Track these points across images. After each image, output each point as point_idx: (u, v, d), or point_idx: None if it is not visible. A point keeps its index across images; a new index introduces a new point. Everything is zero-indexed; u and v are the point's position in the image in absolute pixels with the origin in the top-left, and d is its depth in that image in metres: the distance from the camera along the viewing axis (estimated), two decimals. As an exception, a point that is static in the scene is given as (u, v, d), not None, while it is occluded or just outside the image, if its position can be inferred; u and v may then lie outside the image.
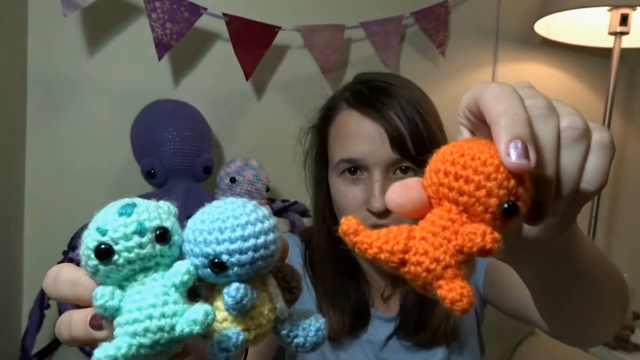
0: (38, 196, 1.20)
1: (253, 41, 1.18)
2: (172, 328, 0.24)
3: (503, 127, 0.25)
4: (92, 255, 0.25)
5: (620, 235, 1.63)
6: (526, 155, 0.24)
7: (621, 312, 0.52)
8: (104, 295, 0.24)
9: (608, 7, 1.26)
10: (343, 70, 1.35)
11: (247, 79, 1.20)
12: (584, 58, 1.51)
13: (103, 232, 0.25)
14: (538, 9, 1.32)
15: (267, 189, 1.15)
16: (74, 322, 0.27)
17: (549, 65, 1.50)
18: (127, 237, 0.25)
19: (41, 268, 1.09)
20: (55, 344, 1.09)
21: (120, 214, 0.25)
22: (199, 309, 0.24)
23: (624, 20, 1.24)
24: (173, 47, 1.13)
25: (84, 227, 0.26)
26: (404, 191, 0.27)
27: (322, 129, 0.77)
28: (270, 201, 1.21)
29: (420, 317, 0.75)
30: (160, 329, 0.24)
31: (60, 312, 0.97)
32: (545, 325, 0.55)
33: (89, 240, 0.25)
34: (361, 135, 0.69)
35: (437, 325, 0.74)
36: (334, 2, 1.33)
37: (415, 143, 0.68)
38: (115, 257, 0.25)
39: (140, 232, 0.25)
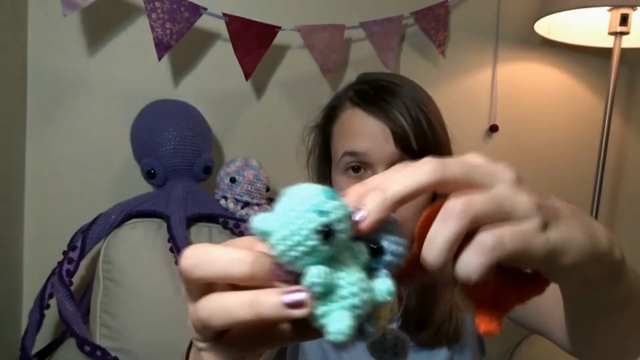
0: (38, 196, 1.20)
1: (253, 41, 1.18)
2: (372, 299, 0.27)
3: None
4: (314, 236, 0.25)
5: (620, 236, 1.63)
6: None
7: None
8: (325, 273, 0.25)
9: (608, 7, 1.26)
10: (343, 70, 1.35)
11: (247, 79, 1.20)
12: (584, 58, 1.51)
13: (325, 214, 0.25)
14: (538, 9, 1.32)
15: (267, 189, 1.15)
16: (263, 303, 0.25)
17: (549, 65, 1.50)
18: (342, 220, 0.26)
19: (41, 268, 1.09)
20: (55, 344, 1.09)
21: (331, 198, 0.26)
22: (387, 281, 0.27)
23: (624, 20, 1.24)
24: (173, 47, 1.13)
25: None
26: None
27: (325, 128, 0.77)
28: (270, 201, 1.21)
29: (422, 317, 0.75)
30: (370, 300, 0.26)
31: (61, 312, 0.97)
32: (567, 343, 0.53)
33: (307, 221, 0.25)
34: (365, 133, 0.69)
35: (439, 326, 0.74)
36: (334, 2, 1.33)
37: (419, 142, 0.68)
38: (335, 238, 0.26)
39: (348, 216, 0.27)
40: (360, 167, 0.71)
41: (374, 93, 0.71)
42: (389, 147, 0.68)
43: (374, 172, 0.69)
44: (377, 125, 0.69)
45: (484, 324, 0.29)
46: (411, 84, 0.75)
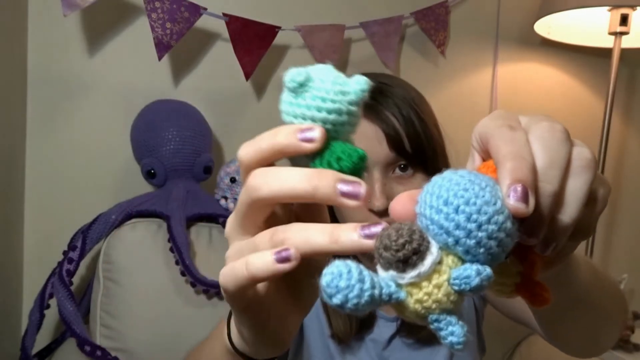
0: (38, 196, 1.20)
1: (253, 41, 1.18)
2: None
3: (507, 169, 0.25)
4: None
5: (620, 235, 1.63)
6: (525, 199, 0.24)
7: (620, 324, 0.53)
8: None
9: (608, 7, 1.26)
10: (343, 70, 1.34)
11: (247, 79, 1.20)
12: (584, 58, 1.51)
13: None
14: (538, 9, 1.32)
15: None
16: (341, 233, 0.26)
17: (549, 65, 1.50)
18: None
19: (41, 268, 1.09)
20: (55, 344, 1.09)
21: None
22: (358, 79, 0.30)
23: (624, 20, 1.24)
24: (173, 47, 1.13)
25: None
26: (408, 203, 0.27)
27: None
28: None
29: None
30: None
31: (61, 312, 0.97)
32: (545, 336, 0.56)
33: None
34: (359, 136, 0.70)
35: None
36: (334, 2, 1.33)
37: (412, 141, 0.68)
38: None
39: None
40: None
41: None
42: (382, 149, 0.68)
43: (370, 174, 0.69)
44: (370, 127, 0.69)
45: (540, 296, 0.28)
46: (403, 83, 0.75)
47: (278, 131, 0.28)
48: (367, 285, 0.24)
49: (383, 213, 0.68)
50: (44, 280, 1.03)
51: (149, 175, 1.09)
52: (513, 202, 0.24)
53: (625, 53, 1.36)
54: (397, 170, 0.70)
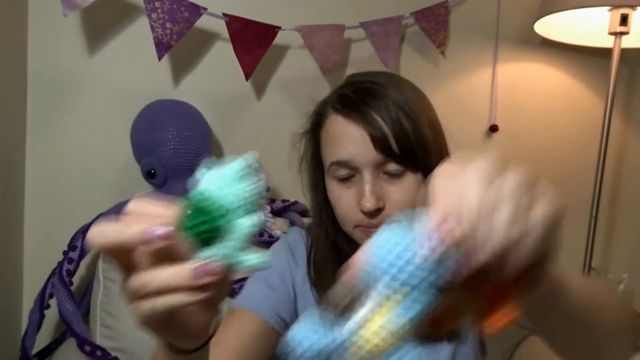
0: (38, 196, 1.20)
1: (253, 41, 1.18)
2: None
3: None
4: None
5: (620, 235, 1.63)
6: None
7: (624, 343, 0.52)
8: None
9: (608, 7, 1.26)
10: (343, 70, 1.35)
11: (247, 79, 1.20)
12: (584, 58, 1.50)
13: None
14: (538, 9, 1.32)
15: (267, 189, 1.15)
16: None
17: (549, 65, 1.50)
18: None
19: (41, 268, 1.09)
20: (55, 344, 1.09)
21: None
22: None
23: (624, 20, 1.24)
24: (173, 47, 1.13)
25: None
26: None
27: (314, 134, 0.78)
28: (271, 201, 1.21)
29: None
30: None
31: (61, 312, 0.97)
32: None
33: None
34: (347, 140, 0.69)
35: None
36: (334, 2, 1.33)
37: (400, 142, 0.68)
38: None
39: None
40: (349, 172, 0.71)
41: (355, 97, 0.71)
42: (369, 151, 0.68)
43: (362, 176, 0.69)
44: (357, 130, 0.68)
45: (500, 319, 0.31)
46: (398, 82, 0.74)
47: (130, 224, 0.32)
48: (321, 331, 0.29)
49: (372, 214, 0.68)
50: (44, 280, 1.03)
51: (149, 175, 1.09)
52: (432, 233, 0.28)
53: (625, 53, 1.36)
54: (389, 171, 0.70)
